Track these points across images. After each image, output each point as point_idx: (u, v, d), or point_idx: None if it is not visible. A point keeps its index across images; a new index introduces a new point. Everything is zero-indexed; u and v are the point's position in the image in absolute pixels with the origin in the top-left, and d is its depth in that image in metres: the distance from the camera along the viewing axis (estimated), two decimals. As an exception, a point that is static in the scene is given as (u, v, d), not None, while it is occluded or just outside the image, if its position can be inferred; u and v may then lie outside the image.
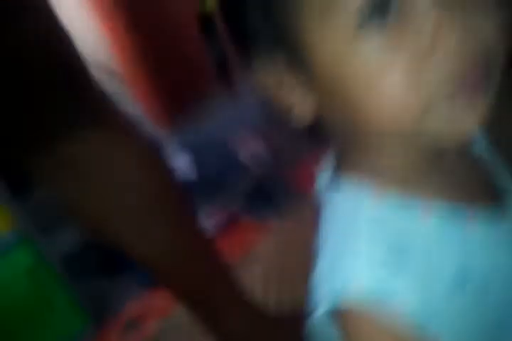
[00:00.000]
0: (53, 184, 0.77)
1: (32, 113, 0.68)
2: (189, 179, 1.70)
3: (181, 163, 1.83)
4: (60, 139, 0.70)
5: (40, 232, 1.17)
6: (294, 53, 0.43)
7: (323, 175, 0.53)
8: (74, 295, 1.23)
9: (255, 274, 1.27)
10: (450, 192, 0.47)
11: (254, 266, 1.30)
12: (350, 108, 0.43)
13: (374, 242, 0.45)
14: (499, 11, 0.40)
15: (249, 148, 1.68)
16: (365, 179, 0.47)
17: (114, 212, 0.77)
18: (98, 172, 0.75)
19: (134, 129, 0.79)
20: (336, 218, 0.49)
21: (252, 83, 0.47)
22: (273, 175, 1.55)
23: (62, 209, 0.87)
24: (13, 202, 1.10)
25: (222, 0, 0.45)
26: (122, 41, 1.70)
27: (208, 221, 1.48)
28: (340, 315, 0.45)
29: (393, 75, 0.40)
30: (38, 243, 1.14)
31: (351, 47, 0.40)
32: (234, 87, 1.73)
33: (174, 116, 1.91)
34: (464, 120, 0.42)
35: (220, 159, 1.69)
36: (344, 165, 0.50)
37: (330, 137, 0.49)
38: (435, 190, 0.47)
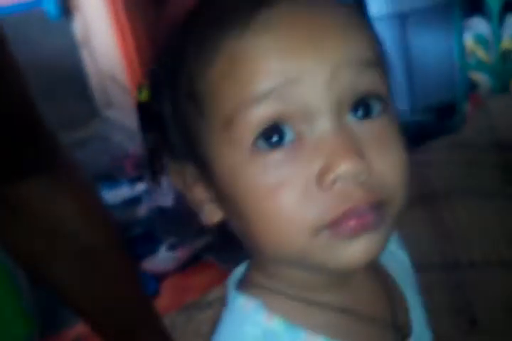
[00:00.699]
0: None
1: None
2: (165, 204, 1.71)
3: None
4: (12, 182, 0.73)
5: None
6: (200, 163, 0.44)
7: (238, 271, 0.53)
8: (23, 305, 1.23)
9: (205, 318, 1.31)
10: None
11: (207, 310, 1.34)
12: (244, 220, 0.43)
13: None
14: (402, 151, 0.42)
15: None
16: (262, 289, 0.47)
17: (46, 256, 0.79)
18: (38, 215, 0.76)
19: (80, 176, 0.81)
20: (225, 324, 0.49)
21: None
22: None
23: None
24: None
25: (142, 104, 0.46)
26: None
27: (171, 254, 1.58)
28: None
29: (286, 192, 0.40)
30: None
31: (248, 161, 0.40)
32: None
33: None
34: (344, 251, 0.40)
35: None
36: (251, 269, 0.50)
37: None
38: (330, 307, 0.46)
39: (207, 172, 0.43)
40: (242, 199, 0.42)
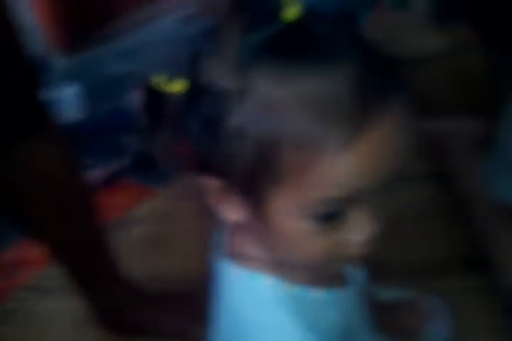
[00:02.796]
0: None
1: None
2: (76, 117, 1.66)
3: (68, 94, 1.76)
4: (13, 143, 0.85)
5: None
6: (252, 193, 0.52)
7: (219, 243, 0.65)
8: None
9: (130, 237, 1.35)
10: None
11: (131, 229, 1.37)
12: (271, 240, 0.56)
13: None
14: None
15: (143, 99, 1.66)
16: (265, 265, 0.60)
17: (32, 194, 0.92)
18: (30, 166, 0.89)
19: (60, 135, 0.94)
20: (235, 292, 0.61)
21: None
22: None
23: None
24: None
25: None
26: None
27: (89, 174, 1.53)
28: None
29: (315, 246, 0.53)
30: None
31: (296, 219, 0.51)
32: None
33: (73, 37, 1.85)
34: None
35: (113, 104, 1.67)
36: (247, 247, 0.61)
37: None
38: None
39: (254, 200, 0.52)
40: (280, 231, 0.53)
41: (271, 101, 0.47)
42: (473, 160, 1.17)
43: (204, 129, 0.51)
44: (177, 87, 0.54)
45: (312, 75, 0.47)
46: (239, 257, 0.62)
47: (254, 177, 0.50)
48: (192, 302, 1.13)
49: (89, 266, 1.05)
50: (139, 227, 1.38)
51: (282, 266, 0.60)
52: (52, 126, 0.90)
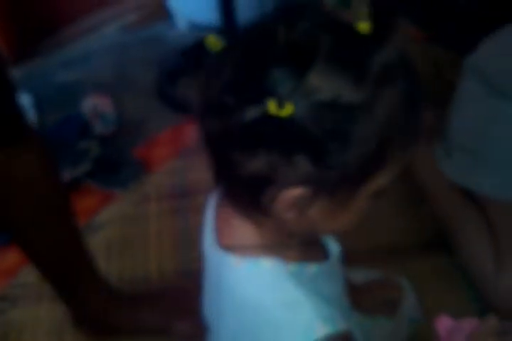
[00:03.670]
0: None
1: None
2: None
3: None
4: None
5: None
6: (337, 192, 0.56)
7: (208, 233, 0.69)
8: None
9: (96, 241, 1.36)
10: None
11: (97, 234, 1.38)
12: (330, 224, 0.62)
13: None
14: None
15: (95, 106, 1.67)
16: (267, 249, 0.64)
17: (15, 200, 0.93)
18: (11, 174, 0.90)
19: (39, 141, 0.94)
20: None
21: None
22: (119, 142, 1.60)
23: None
24: None
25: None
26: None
27: None
28: None
29: (352, 221, 0.62)
30: None
31: (365, 201, 0.59)
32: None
33: (20, 48, 1.84)
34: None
35: (64, 112, 1.67)
36: (242, 237, 0.64)
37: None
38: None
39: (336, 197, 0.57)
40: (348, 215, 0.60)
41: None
42: (429, 146, 1.23)
43: (330, 140, 0.52)
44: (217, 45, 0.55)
45: None
46: (235, 249, 0.65)
47: (363, 170, 0.55)
48: (169, 299, 1.16)
49: (68, 269, 1.06)
50: (104, 231, 1.39)
51: (278, 248, 0.64)
52: (29, 133, 0.91)
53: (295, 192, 0.55)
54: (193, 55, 1.66)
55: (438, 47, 1.71)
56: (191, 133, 1.60)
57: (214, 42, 0.55)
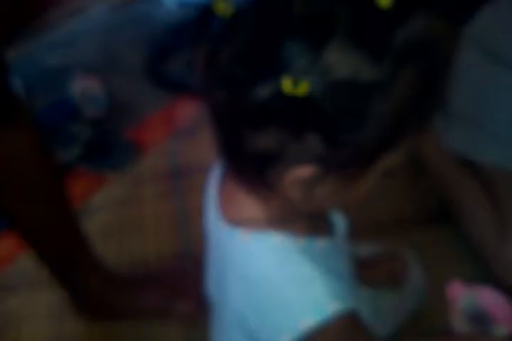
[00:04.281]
0: None
1: None
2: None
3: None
4: None
5: None
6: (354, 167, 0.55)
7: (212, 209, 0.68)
8: None
9: (91, 225, 1.33)
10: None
11: (92, 218, 1.36)
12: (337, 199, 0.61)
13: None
14: None
15: (84, 88, 1.65)
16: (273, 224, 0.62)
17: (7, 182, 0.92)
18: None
19: (31, 123, 0.94)
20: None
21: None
22: (110, 125, 1.58)
23: None
24: None
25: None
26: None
27: None
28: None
29: (360, 197, 0.60)
30: None
31: (372, 179, 0.58)
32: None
33: (5, 32, 1.82)
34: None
35: (53, 96, 1.65)
36: (249, 212, 0.63)
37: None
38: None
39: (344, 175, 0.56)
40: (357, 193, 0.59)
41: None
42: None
43: (344, 119, 0.51)
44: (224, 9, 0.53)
45: None
46: (241, 223, 0.63)
47: (375, 149, 0.54)
48: (168, 279, 1.15)
49: (66, 253, 1.05)
50: (99, 215, 1.37)
51: (286, 222, 0.62)
52: (20, 113, 0.90)
53: (303, 170, 0.54)
54: (182, 32, 1.64)
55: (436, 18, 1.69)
56: (184, 112, 1.58)
57: (223, 7, 0.52)
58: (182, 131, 1.53)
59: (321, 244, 0.65)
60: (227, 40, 0.52)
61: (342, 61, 0.49)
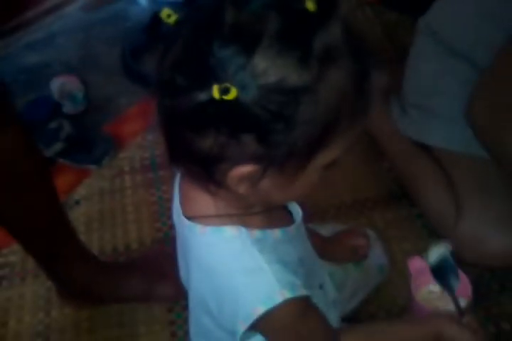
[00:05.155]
0: None
1: None
2: None
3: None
4: None
5: None
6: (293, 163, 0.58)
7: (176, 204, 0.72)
8: None
9: (76, 217, 1.38)
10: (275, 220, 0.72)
11: (75, 210, 1.41)
12: (285, 193, 0.64)
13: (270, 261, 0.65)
14: None
15: (63, 86, 1.69)
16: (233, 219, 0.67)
17: None
18: None
19: (17, 120, 0.95)
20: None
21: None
22: (89, 120, 1.62)
23: None
24: None
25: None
26: None
27: None
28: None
29: (307, 189, 0.64)
30: None
31: (316, 172, 0.61)
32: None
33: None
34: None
35: (33, 94, 1.68)
36: (207, 208, 0.67)
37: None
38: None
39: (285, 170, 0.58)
40: (300, 186, 0.62)
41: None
42: (385, 104, 1.28)
43: (275, 121, 0.53)
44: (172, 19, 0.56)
45: None
46: (198, 218, 0.68)
47: (310, 147, 0.57)
48: (149, 264, 1.20)
49: (54, 243, 1.08)
50: (81, 207, 1.43)
51: (240, 217, 0.67)
52: (7, 113, 0.92)
53: (244, 168, 0.57)
54: (153, 30, 1.69)
55: (392, 11, 1.75)
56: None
57: (168, 15, 0.56)
58: (156, 124, 1.57)
59: (276, 234, 0.69)
60: (170, 46, 0.56)
61: (270, 66, 0.51)
